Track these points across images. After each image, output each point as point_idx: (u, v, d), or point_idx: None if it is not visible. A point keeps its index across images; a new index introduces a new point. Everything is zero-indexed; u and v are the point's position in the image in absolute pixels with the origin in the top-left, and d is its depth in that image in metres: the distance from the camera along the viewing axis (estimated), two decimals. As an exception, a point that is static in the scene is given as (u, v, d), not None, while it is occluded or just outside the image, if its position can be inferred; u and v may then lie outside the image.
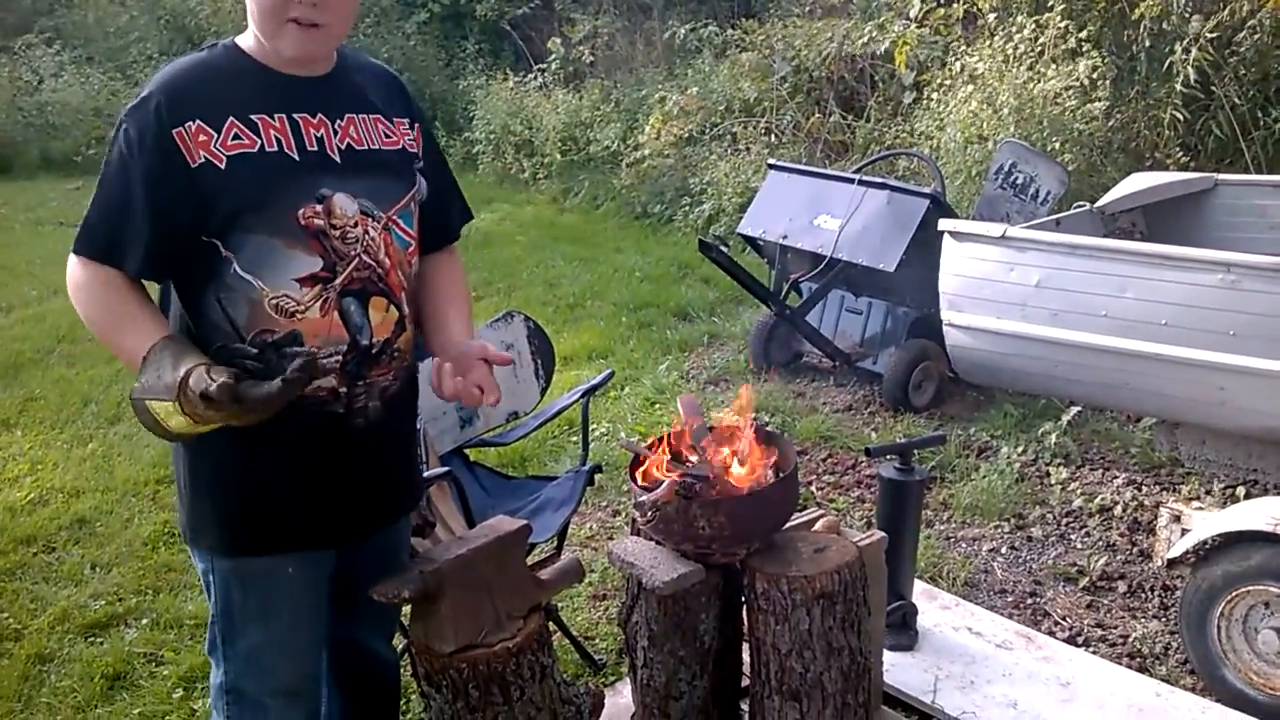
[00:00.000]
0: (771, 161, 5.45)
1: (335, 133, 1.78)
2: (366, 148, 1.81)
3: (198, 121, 1.67)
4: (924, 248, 4.28)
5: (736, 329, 5.79)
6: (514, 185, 10.16)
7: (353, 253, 1.76)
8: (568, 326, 6.03)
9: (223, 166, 1.67)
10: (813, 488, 4.02)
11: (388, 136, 1.86)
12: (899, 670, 2.79)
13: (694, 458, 2.37)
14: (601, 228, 8.54)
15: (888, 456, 2.94)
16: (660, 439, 2.46)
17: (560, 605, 3.16)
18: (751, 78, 8.43)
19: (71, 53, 12.75)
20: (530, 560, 2.33)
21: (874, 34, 7.63)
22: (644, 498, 2.23)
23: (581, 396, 3.15)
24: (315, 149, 1.75)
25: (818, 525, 2.56)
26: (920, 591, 3.10)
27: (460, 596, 2.08)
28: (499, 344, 3.29)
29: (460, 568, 2.08)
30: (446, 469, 2.70)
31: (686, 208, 8.02)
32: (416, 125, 1.94)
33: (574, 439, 4.45)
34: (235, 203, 1.67)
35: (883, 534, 2.58)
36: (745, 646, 2.44)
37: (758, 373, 5.16)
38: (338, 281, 1.75)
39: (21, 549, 3.73)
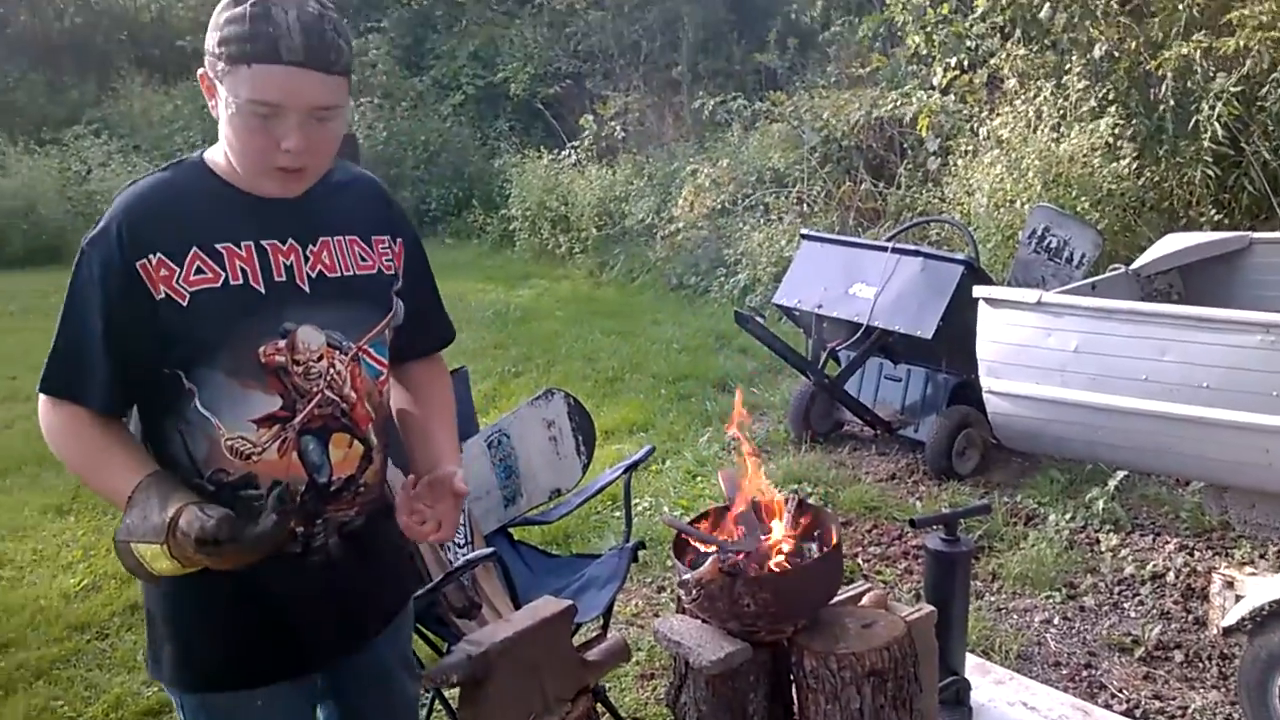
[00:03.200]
0: (805, 231, 5.50)
1: (306, 259, 1.66)
2: (339, 274, 1.69)
3: (159, 255, 1.56)
4: (961, 313, 4.28)
5: (776, 399, 5.80)
6: (551, 260, 10.29)
7: (314, 389, 1.65)
8: (607, 400, 6.07)
9: (185, 304, 1.57)
10: (859, 560, 3.99)
11: (363, 260, 1.73)
12: (952, 746, 2.74)
13: (737, 534, 2.38)
14: (638, 300, 8.61)
15: (933, 527, 2.92)
16: (703, 515, 2.47)
17: (608, 686, 3.15)
18: (781, 148, 8.53)
19: (118, 142, 13.14)
20: (577, 640, 2.33)
21: (900, 102, 7.73)
22: (688, 576, 2.23)
23: (623, 473, 3.17)
24: (283, 279, 1.63)
25: (865, 599, 2.54)
26: (973, 666, 3.06)
27: (508, 680, 2.08)
28: (539, 421, 3.34)
29: (508, 651, 2.09)
30: (491, 550, 2.72)
31: (722, 278, 8.08)
32: (399, 240, 1.81)
33: (617, 514, 4.46)
34: (197, 341, 1.58)
35: (931, 607, 2.56)
36: (795, 725, 2.42)
37: (798, 443, 5.15)
38: (297, 420, 1.64)
39: (75, 635, 3.78)
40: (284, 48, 1.49)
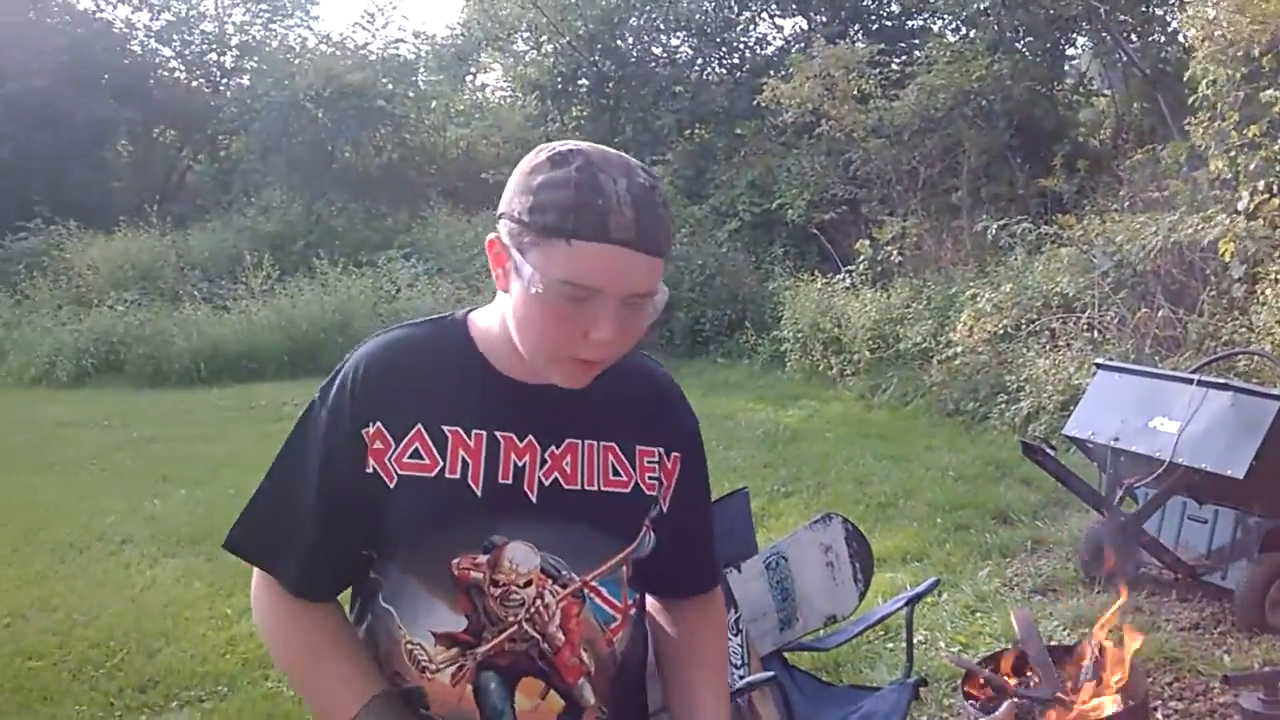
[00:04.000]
0: (1099, 360, 5.27)
1: (543, 462, 1.39)
2: (579, 487, 1.41)
3: (378, 424, 1.37)
4: (1276, 452, 3.96)
5: (1063, 535, 5.49)
6: (821, 382, 10.28)
7: (510, 619, 1.38)
8: (879, 526, 5.94)
9: (391, 486, 1.37)
10: (1158, 715, 3.68)
11: (615, 474, 1.44)
12: None
13: (1034, 678, 2.27)
14: (912, 425, 8.44)
15: (1250, 686, 2.68)
16: (994, 655, 2.38)
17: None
18: (1070, 273, 8.23)
19: (424, 265, 14.31)
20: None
21: (1201, 226, 7.31)
22: (982, 719, 2.15)
23: (905, 604, 3.10)
24: (508, 482, 1.38)
25: (1173, 761, 2.35)
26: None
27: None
28: (817, 546, 3.33)
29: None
30: (771, 674, 2.72)
31: (1002, 405, 7.81)
32: (674, 456, 1.51)
33: (889, 645, 4.33)
34: (391, 531, 1.39)
35: (1252, 777, 2.34)
36: None
37: (1089, 584, 4.84)
38: (480, 650, 1.38)
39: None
40: (614, 224, 1.25)
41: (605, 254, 1.25)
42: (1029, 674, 2.30)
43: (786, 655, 3.23)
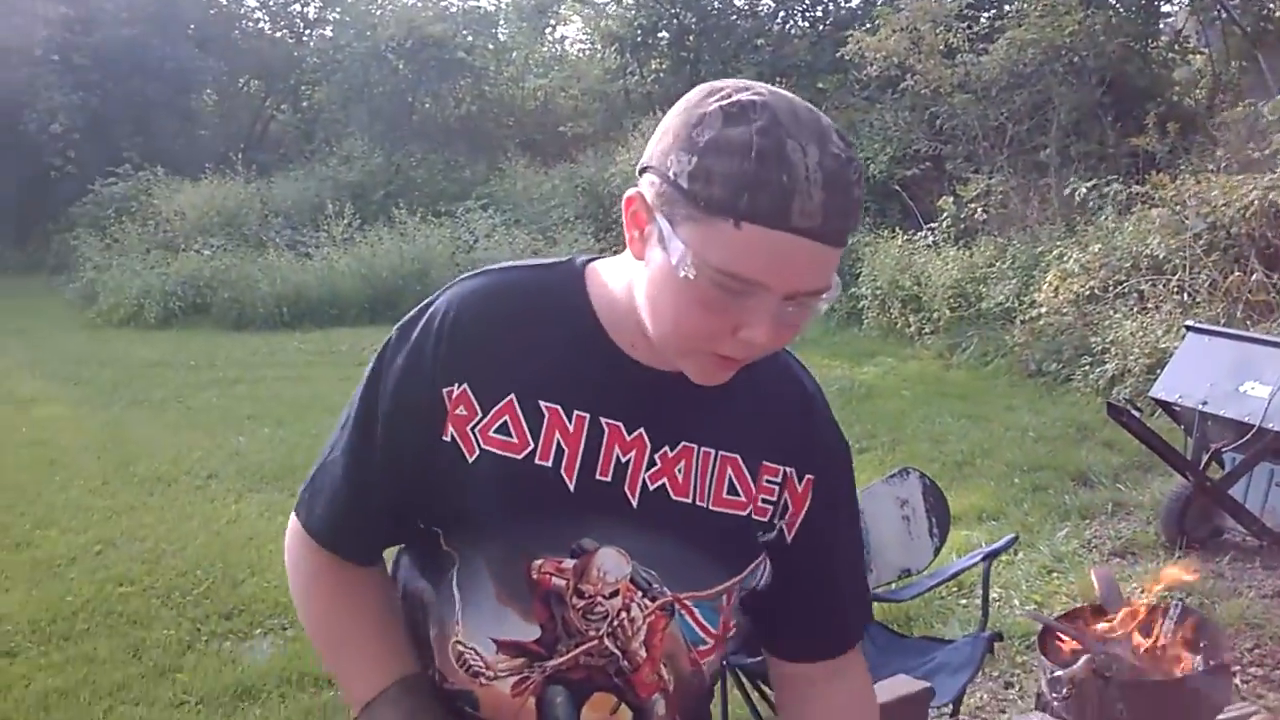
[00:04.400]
0: (1190, 323, 5.15)
1: (651, 464, 1.15)
2: (689, 500, 1.16)
3: (464, 385, 1.12)
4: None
5: (1144, 498, 5.37)
6: (899, 340, 10.16)
7: (592, 633, 1.16)
8: (955, 485, 5.87)
9: (470, 460, 1.13)
10: (1238, 680, 3.61)
11: (732, 492, 1.18)
12: None
13: (1113, 635, 2.24)
14: (991, 385, 8.31)
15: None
16: (1072, 612, 2.35)
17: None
18: (1160, 234, 7.99)
19: (501, 216, 14.39)
20: (930, 724, 2.27)
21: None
22: (1060, 673, 2.13)
23: (982, 559, 3.08)
24: (606, 479, 1.14)
25: (1256, 723, 2.31)
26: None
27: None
28: (894, 499, 3.31)
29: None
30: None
31: (1086, 367, 7.64)
32: (806, 480, 1.22)
33: (962, 601, 4.30)
34: (464, 513, 1.15)
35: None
36: None
37: (1170, 548, 4.75)
38: (552, 664, 1.17)
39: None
40: (797, 209, 0.97)
41: (780, 243, 0.97)
42: (1109, 631, 2.26)
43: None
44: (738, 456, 1.18)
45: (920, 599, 3.93)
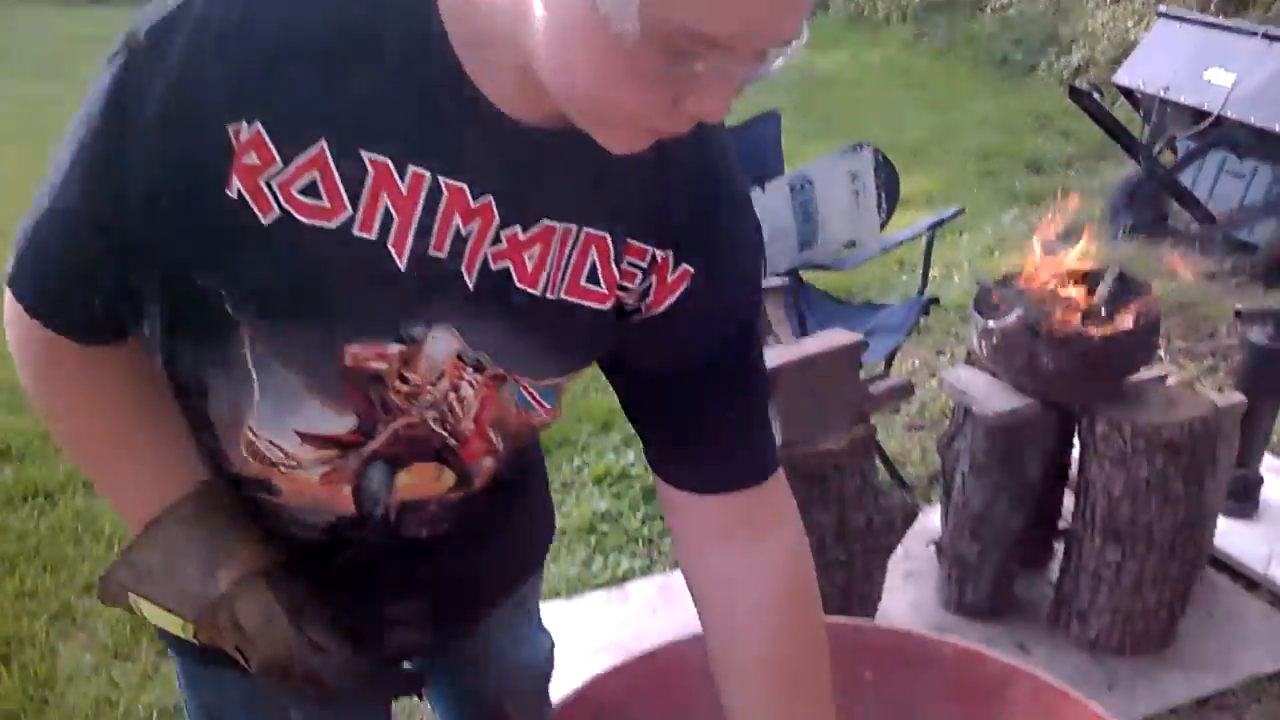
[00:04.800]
0: (1162, 9, 5.01)
1: (496, 239, 0.87)
2: (538, 292, 0.90)
3: (257, 124, 0.78)
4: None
5: (1095, 185, 5.42)
6: (865, 27, 9.82)
7: (415, 416, 0.96)
8: (908, 170, 5.82)
9: (265, 223, 0.81)
10: (1161, 352, 3.79)
11: (591, 280, 0.92)
12: (1233, 537, 2.66)
13: (1048, 293, 2.30)
14: (955, 73, 8.14)
15: (1260, 322, 2.72)
16: (1010, 275, 2.40)
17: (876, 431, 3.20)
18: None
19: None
20: (859, 378, 2.36)
21: None
22: (990, 324, 2.20)
23: (927, 229, 3.11)
24: (441, 254, 0.86)
25: (1171, 381, 2.43)
26: (1268, 466, 2.90)
27: (792, 399, 2.16)
28: (845, 173, 3.28)
29: (797, 371, 2.16)
30: (784, 282, 2.76)
31: (1053, 57, 7.49)
32: (681, 267, 0.94)
33: (904, 277, 4.42)
34: (257, 288, 0.86)
35: (1242, 397, 2.42)
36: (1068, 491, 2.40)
37: (1114, 231, 4.85)
38: (369, 448, 0.98)
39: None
40: None
41: None
42: (1043, 288, 2.32)
43: (803, 275, 3.28)
44: (606, 236, 0.90)
45: (865, 273, 4.02)
